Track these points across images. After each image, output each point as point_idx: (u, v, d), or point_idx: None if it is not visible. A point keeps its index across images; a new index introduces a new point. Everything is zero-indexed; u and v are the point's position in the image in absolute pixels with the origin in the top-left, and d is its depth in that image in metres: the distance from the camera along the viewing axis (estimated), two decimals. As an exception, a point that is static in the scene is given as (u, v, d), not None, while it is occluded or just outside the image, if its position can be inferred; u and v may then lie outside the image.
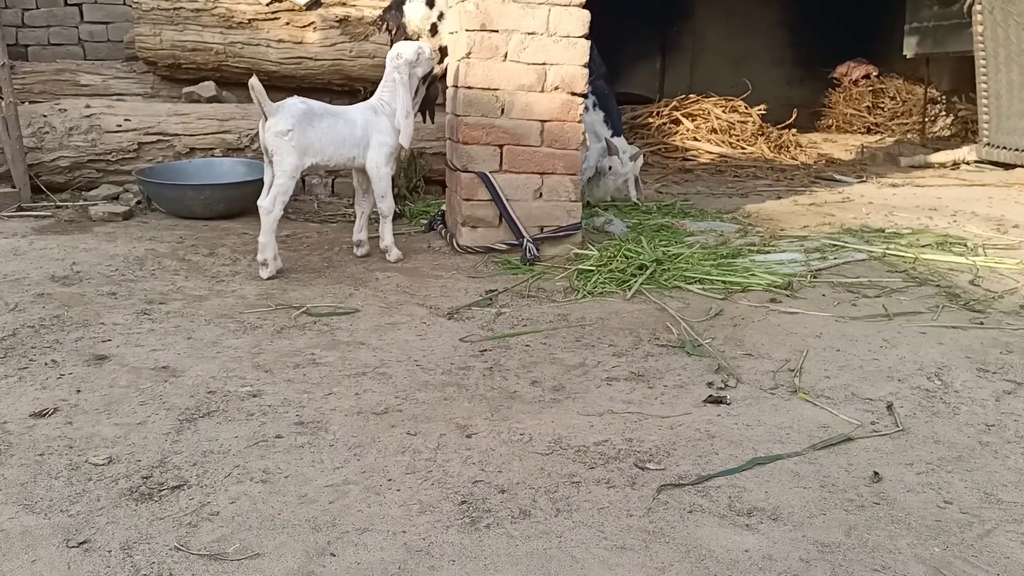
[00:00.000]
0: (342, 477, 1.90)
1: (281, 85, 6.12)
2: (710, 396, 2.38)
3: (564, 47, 3.81)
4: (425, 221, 4.63)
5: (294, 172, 3.55)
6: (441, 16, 4.48)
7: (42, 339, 2.72)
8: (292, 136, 3.50)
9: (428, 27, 4.48)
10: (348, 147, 3.68)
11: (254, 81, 3.48)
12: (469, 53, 3.77)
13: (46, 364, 2.51)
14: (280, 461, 1.97)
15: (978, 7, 7.39)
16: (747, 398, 2.38)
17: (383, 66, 3.98)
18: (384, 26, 4.64)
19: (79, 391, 2.33)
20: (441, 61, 4.55)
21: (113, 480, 1.86)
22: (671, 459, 2.02)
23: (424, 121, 4.79)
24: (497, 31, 3.76)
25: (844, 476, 1.95)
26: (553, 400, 2.36)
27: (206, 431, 2.11)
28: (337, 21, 5.89)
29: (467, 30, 3.75)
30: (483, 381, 2.48)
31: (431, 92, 4.72)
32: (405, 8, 4.52)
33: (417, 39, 4.49)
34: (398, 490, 1.85)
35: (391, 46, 4.63)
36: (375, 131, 3.74)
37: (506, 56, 3.79)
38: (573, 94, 3.88)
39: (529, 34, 3.78)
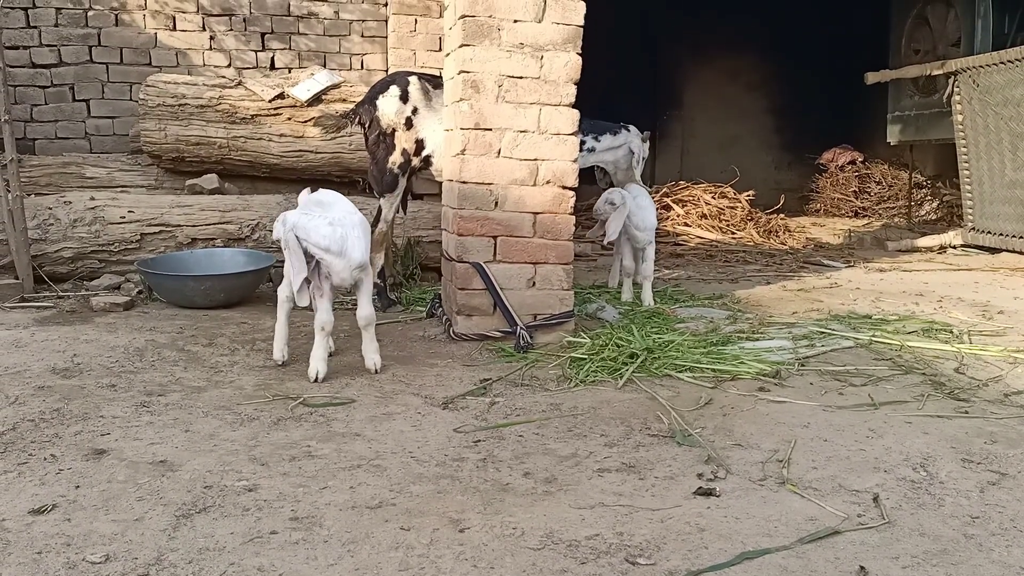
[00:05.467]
0: (336, 574, 1.92)
1: (283, 177, 6.33)
2: (700, 488, 2.41)
3: (555, 144, 3.97)
4: (422, 308, 4.71)
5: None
6: (415, 111, 4.60)
7: (42, 433, 2.76)
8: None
9: (403, 121, 4.59)
10: None
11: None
12: (464, 150, 3.92)
13: (45, 459, 2.55)
14: (275, 558, 1.99)
15: (956, 97, 7.66)
16: (736, 490, 2.42)
17: None
18: (356, 119, 4.72)
19: (78, 487, 2.36)
20: (418, 153, 4.67)
21: (110, 579, 1.88)
22: (661, 553, 2.04)
23: (399, 212, 4.90)
24: (491, 129, 3.92)
25: (831, 570, 1.97)
26: (545, 492, 2.39)
27: (202, 527, 2.13)
28: (316, 118, 5.90)
29: (462, 128, 3.91)
30: (476, 473, 2.51)
31: (409, 184, 4.84)
32: (379, 102, 4.61)
33: (392, 132, 4.61)
34: (391, 587, 1.87)
35: (366, 140, 4.75)
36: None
37: (499, 152, 3.94)
38: (564, 187, 4.02)
39: (521, 132, 3.94)
